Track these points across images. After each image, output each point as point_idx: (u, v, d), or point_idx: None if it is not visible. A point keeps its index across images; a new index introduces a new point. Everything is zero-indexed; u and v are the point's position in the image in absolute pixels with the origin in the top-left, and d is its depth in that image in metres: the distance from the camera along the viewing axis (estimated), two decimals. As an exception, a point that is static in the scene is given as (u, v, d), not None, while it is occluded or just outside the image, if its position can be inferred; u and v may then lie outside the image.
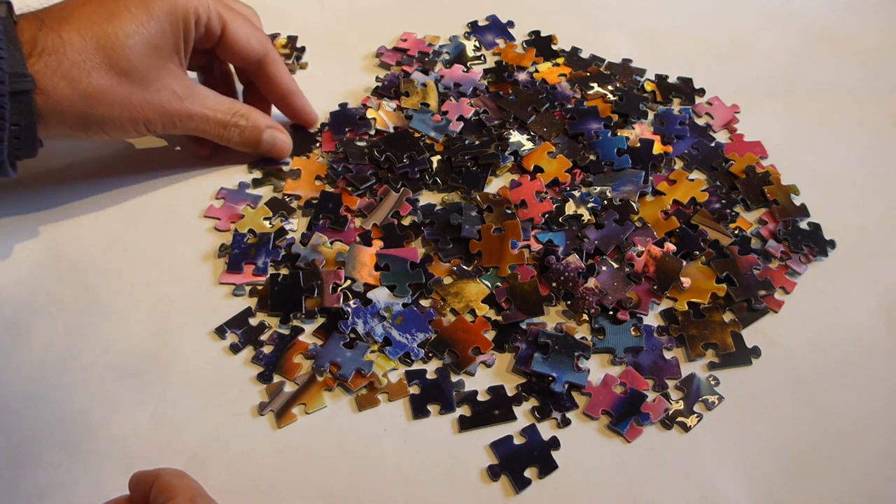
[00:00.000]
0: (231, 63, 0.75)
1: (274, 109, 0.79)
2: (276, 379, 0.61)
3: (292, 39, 0.88)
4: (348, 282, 0.67)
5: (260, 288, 0.66)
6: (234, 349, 0.63)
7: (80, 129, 0.63)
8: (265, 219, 0.71)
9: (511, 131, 0.78)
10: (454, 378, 0.62)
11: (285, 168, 0.76)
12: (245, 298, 0.66)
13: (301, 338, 0.64)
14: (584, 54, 0.89)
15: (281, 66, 0.74)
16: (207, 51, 0.71)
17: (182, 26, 0.64)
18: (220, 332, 0.64)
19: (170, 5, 0.63)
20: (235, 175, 0.76)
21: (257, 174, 0.76)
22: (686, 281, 0.67)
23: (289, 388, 0.61)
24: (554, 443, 0.58)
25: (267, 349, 0.63)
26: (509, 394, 0.61)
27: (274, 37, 0.88)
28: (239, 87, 0.80)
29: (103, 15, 0.61)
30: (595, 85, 0.84)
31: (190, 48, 0.67)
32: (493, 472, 0.57)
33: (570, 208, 0.72)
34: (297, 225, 0.72)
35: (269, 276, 0.67)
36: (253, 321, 0.64)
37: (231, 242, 0.69)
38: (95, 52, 0.60)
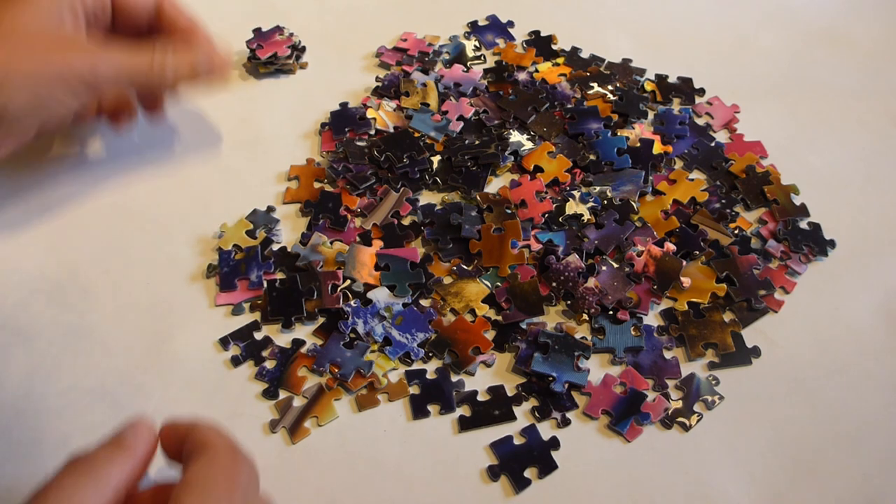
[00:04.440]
0: (134, 21, 0.70)
1: None
2: (283, 394, 0.61)
3: (294, 46, 0.87)
4: (347, 282, 0.67)
5: (259, 303, 0.66)
6: (235, 362, 0.62)
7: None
8: (247, 232, 0.70)
9: (511, 131, 0.78)
10: (454, 378, 0.62)
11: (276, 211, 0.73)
12: (247, 315, 0.65)
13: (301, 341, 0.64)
14: (584, 54, 0.88)
15: (178, 4, 0.70)
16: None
17: None
18: (224, 343, 0.63)
19: None
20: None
21: (261, 235, 0.70)
22: (686, 281, 0.67)
23: (297, 402, 0.60)
24: (554, 443, 0.58)
25: (269, 364, 0.62)
26: (509, 394, 0.61)
27: (277, 29, 0.87)
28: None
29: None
30: (595, 85, 0.84)
31: (81, 18, 0.65)
32: (493, 472, 0.57)
33: (570, 208, 0.72)
34: (283, 236, 0.71)
35: (266, 283, 0.66)
36: (258, 335, 0.64)
37: (218, 261, 0.68)
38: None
